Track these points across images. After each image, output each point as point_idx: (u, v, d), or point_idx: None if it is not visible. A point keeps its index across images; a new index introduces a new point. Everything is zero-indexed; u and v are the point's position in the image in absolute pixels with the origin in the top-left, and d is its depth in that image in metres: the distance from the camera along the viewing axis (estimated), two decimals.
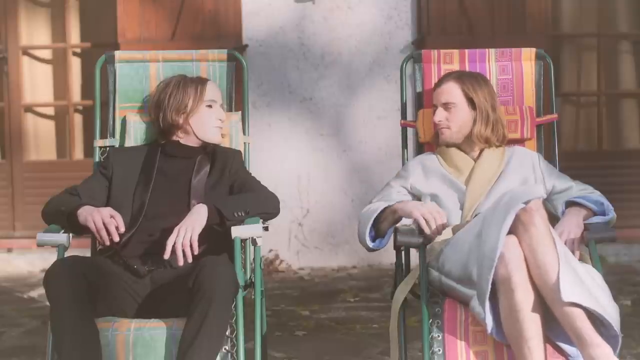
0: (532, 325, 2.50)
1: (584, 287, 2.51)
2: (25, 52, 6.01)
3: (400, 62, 3.41)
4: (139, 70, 3.33)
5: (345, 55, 5.69)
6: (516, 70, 3.36)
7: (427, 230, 2.76)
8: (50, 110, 6.11)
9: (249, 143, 3.30)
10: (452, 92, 3.07)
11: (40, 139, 6.07)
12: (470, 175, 3.02)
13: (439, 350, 2.62)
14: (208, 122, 3.09)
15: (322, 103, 5.71)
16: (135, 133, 3.24)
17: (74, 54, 6.00)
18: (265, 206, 2.92)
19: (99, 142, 3.27)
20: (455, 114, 3.06)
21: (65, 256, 2.79)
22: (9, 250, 5.85)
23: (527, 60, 3.38)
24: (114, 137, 3.29)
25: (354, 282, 5.23)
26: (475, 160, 3.06)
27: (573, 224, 2.80)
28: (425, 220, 2.77)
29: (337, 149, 5.72)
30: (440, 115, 3.07)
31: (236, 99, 3.38)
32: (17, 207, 5.90)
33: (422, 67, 3.36)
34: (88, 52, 6.03)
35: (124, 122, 3.26)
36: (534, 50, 3.40)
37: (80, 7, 6.02)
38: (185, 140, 3.11)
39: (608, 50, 5.95)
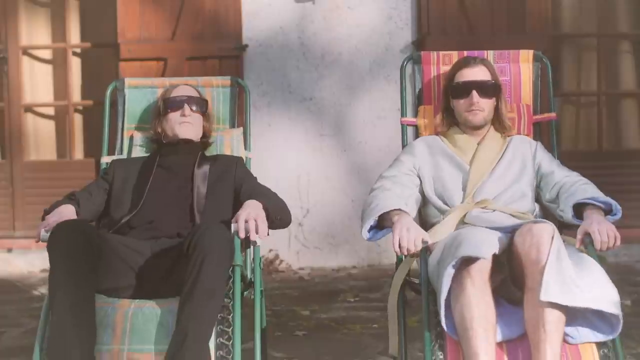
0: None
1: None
2: (25, 52, 6.01)
3: (400, 62, 3.42)
4: (146, 95, 3.49)
5: (345, 55, 5.69)
6: (514, 71, 3.38)
7: (396, 250, 2.72)
8: (50, 110, 6.11)
9: (250, 158, 3.39)
10: (486, 76, 3.12)
11: (40, 139, 6.07)
12: (474, 155, 3.08)
13: (440, 354, 2.61)
14: (173, 120, 3.24)
15: (322, 103, 5.71)
16: (141, 149, 3.39)
17: (74, 54, 6.00)
18: (289, 216, 3.04)
19: (105, 159, 3.38)
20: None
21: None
22: (9, 250, 5.85)
23: (524, 61, 3.40)
24: (121, 153, 3.43)
25: (354, 282, 5.23)
26: (479, 143, 3.12)
27: (601, 219, 2.79)
28: (400, 243, 2.72)
29: (337, 149, 5.72)
30: (477, 97, 3.08)
31: (238, 119, 3.51)
32: (17, 207, 5.90)
33: (422, 69, 3.39)
34: (88, 52, 6.03)
35: (130, 139, 3.43)
36: (531, 52, 3.43)
37: (80, 7, 6.02)
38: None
39: (608, 50, 5.95)
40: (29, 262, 5.78)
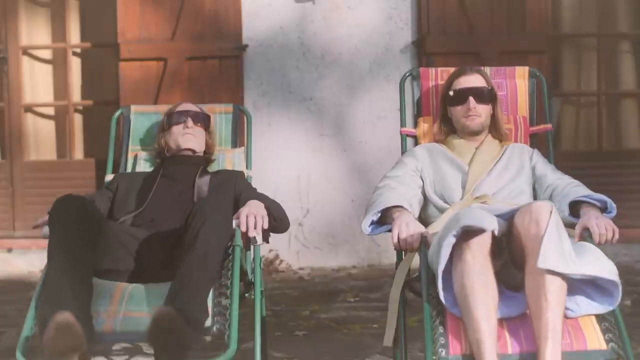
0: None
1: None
2: (25, 52, 6.01)
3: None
4: (151, 120, 3.68)
5: (345, 55, 5.69)
6: (510, 86, 3.49)
7: (394, 244, 2.82)
8: (50, 110, 6.11)
9: (251, 177, 3.51)
10: (482, 83, 3.23)
11: (40, 139, 6.07)
12: (473, 157, 3.16)
13: (441, 328, 2.61)
14: (176, 132, 3.39)
15: (322, 103, 5.71)
16: (145, 165, 3.55)
17: (74, 54, 6.00)
18: (288, 221, 3.13)
19: (109, 177, 3.49)
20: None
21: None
22: (9, 250, 5.85)
23: (520, 78, 3.52)
24: (125, 171, 3.57)
25: (354, 282, 5.23)
26: (477, 147, 3.21)
27: (598, 214, 2.84)
28: (399, 236, 2.81)
29: (337, 149, 5.72)
30: (474, 102, 3.18)
31: (240, 140, 3.69)
32: (17, 207, 5.89)
33: (421, 84, 3.49)
34: (88, 52, 6.03)
35: (134, 159, 3.61)
36: (526, 68, 3.54)
37: (80, 7, 6.02)
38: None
39: (608, 50, 5.95)
40: (29, 262, 5.78)
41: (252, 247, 3.04)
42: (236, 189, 3.19)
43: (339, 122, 5.72)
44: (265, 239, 3.02)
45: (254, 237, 2.92)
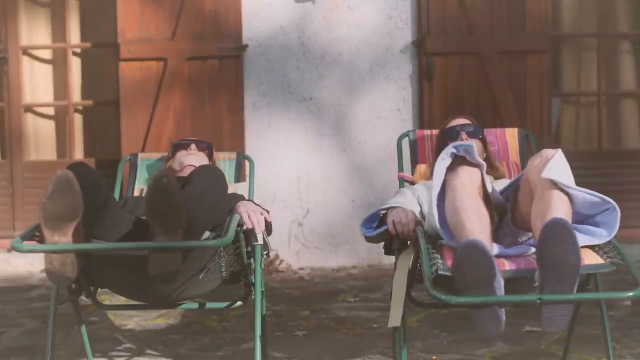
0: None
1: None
2: (25, 52, 6.01)
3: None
4: (157, 164, 3.95)
5: (345, 55, 5.69)
6: (501, 143, 3.78)
7: (390, 229, 2.98)
8: (50, 110, 6.11)
9: None
10: (469, 122, 3.54)
11: (40, 139, 6.07)
12: None
13: (438, 255, 2.64)
14: (180, 155, 3.65)
15: (322, 103, 5.71)
16: None
17: (74, 54, 6.00)
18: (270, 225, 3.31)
19: None
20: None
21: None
22: (9, 250, 5.85)
23: (510, 137, 3.79)
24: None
25: (354, 282, 5.23)
26: None
27: None
28: (394, 222, 2.99)
29: (337, 149, 5.72)
30: (464, 135, 3.45)
31: (242, 174, 3.98)
32: (17, 207, 5.89)
33: (416, 139, 3.78)
34: (88, 52, 6.03)
35: (141, 193, 3.81)
36: (516, 130, 3.83)
37: (80, 7, 6.02)
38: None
39: (608, 50, 5.95)
40: (29, 262, 5.78)
41: (253, 249, 3.09)
42: (231, 204, 3.24)
43: (339, 122, 5.72)
44: (267, 252, 3.10)
45: (254, 236, 2.94)
